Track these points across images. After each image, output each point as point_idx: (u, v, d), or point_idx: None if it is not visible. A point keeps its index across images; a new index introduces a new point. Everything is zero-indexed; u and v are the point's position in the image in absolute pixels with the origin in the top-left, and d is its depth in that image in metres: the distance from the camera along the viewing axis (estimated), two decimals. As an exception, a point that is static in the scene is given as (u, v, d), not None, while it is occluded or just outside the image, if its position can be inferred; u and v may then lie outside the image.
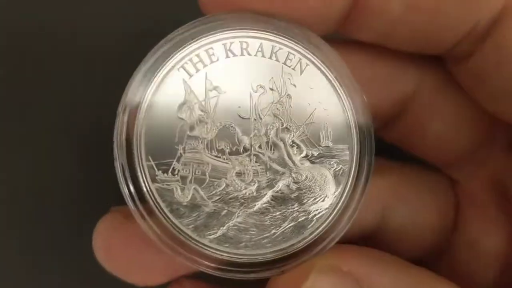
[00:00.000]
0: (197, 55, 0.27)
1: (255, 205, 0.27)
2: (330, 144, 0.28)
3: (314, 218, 0.27)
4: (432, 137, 0.32)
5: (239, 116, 0.27)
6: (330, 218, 0.27)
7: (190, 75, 0.27)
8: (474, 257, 0.32)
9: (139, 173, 0.26)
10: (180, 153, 0.26)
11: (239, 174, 0.27)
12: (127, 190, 0.26)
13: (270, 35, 0.28)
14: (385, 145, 0.33)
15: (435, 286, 0.27)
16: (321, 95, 0.28)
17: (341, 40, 0.31)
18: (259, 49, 0.28)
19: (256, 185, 0.27)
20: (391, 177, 0.33)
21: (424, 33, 0.29)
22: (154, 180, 0.26)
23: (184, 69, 0.27)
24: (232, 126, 0.27)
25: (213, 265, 0.26)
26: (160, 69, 0.26)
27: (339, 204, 0.28)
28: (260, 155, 0.27)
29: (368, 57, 0.31)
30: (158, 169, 0.26)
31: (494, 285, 0.31)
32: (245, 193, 0.27)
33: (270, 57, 0.28)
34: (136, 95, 0.26)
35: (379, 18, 0.28)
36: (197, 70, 0.27)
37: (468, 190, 0.33)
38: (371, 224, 0.32)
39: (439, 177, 0.34)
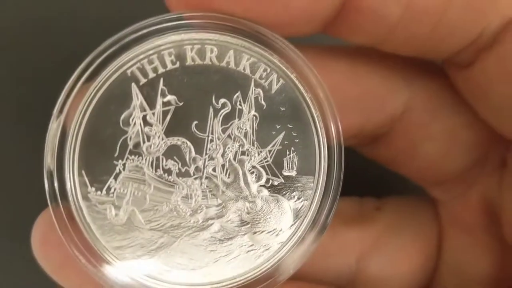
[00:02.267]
0: (152, 58, 0.23)
1: (199, 234, 0.24)
2: (294, 173, 0.24)
3: (264, 253, 0.24)
4: (421, 158, 0.30)
5: (195, 133, 0.23)
6: (281, 254, 0.25)
7: (142, 80, 0.23)
8: (460, 285, 0.30)
9: (68, 187, 0.22)
10: (119, 170, 0.23)
11: (185, 198, 0.24)
12: (53, 202, 0.23)
13: (243, 42, 0.24)
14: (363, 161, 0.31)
15: None
16: (292, 117, 0.24)
17: (324, 48, 0.27)
18: (228, 58, 0.24)
19: (203, 212, 0.24)
20: (365, 228, 0.31)
21: (426, 39, 0.25)
22: (85, 198, 0.23)
23: (135, 73, 0.23)
24: (184, 144, 0.23)
25: None
26: (106, 70, 0.22)
27: (293, 240, 0.25)
28: (213, 178, 0.24)
29: (354, 71, 0.28)
30: (92, 186, 0.23)
31: None
32: (190, 220, 0.24)
33: (240, 69, 0.24)
34: (74, 97, 0.22)
35: (375, 21, 0.24)
36: (151, 76, 0.23)
37: (455, 212, 0.31)
38: (346, 275, 0.31)
39: (422, 206, 0.32)
